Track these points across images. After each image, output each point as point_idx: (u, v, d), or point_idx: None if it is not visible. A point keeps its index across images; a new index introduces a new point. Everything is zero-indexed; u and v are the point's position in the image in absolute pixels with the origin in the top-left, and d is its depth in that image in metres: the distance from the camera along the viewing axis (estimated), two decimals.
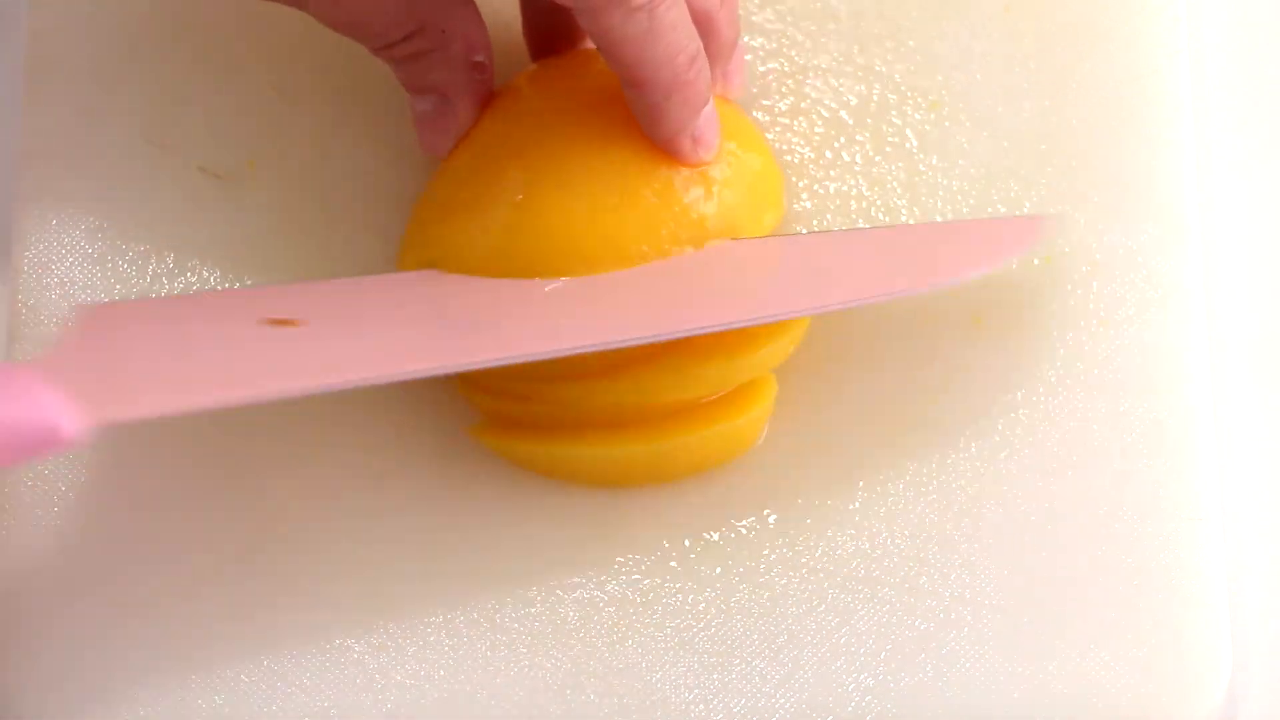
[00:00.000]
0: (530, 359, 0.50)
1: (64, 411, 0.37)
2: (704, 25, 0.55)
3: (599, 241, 0.54)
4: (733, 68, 0.58)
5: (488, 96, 0.57)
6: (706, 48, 0.55)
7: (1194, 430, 0.58)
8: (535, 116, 0.55)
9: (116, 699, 0.57)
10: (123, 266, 0.59)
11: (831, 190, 0.60)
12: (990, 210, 0.60)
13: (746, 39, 0.60)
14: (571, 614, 0.57)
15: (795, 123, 0.60)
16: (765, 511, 0.58)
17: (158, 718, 0.56)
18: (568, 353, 0.51)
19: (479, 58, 0.55)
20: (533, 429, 0.57)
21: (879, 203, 0.60)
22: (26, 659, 0.57)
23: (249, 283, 0.59)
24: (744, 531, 0.58)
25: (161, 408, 0.41)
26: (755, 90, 0.60)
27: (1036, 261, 0.59)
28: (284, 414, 0.58)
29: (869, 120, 0.60)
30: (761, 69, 0.60)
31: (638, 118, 0.54)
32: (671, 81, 0.53)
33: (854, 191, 0.60)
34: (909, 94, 0.60)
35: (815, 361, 0.59)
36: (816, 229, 0.59)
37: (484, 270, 0.55)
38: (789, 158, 0.60)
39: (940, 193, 0.60)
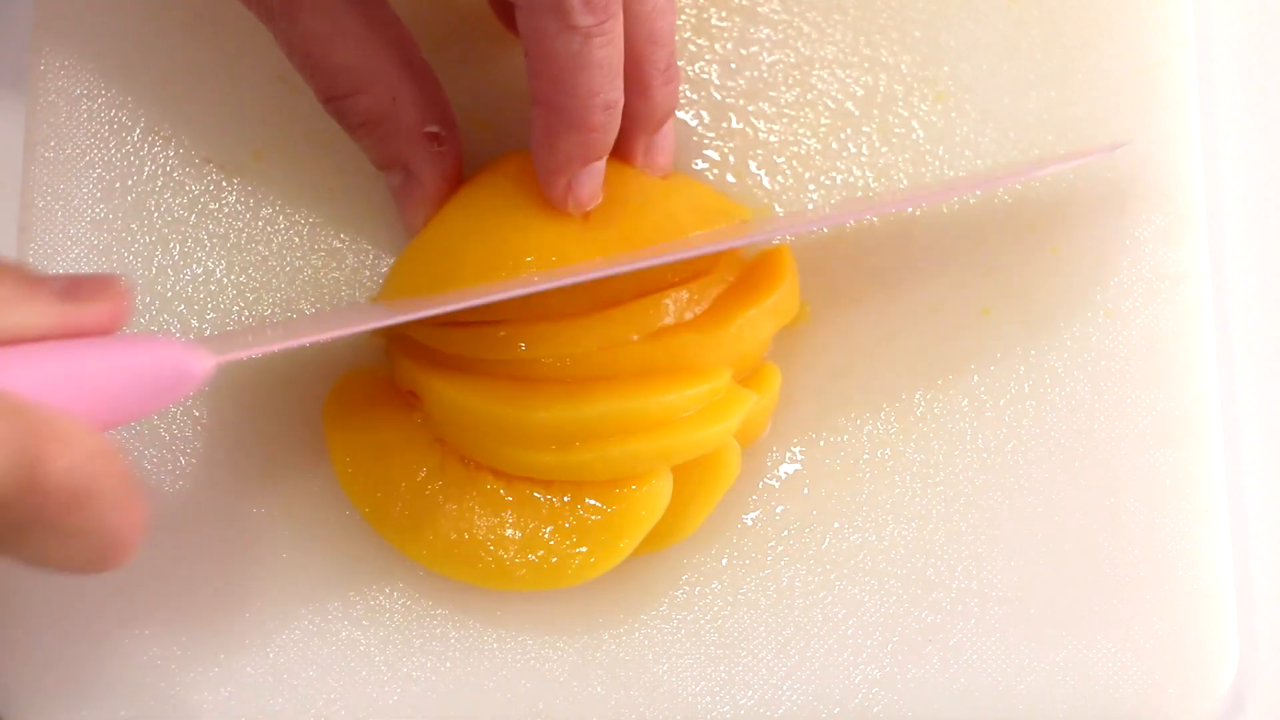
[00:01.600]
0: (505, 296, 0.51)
1: (191, 356, 0.44)
2: (637, 87, 0.54)
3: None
4: (659, 143, 0.57)
5: (455, 168, 0.56)
6: (635, 110, 0.54)
7: (1201, 422, 0.58)
8: (496, 210, 0.55)
9: (121, 692, 0.56)
10: (128, 258, 0.59)
11: (838, 181, 0.60)
12: (996, 200, 0.60)
13: (752, 30, 0.60)
14: (577, 606, 0.57)
15: (801, 114, 0.60)
16: (771, 503, 0.58)
17: (162, 712, 0.56)
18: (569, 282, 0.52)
19: (432, 129, 0.55)
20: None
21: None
22: (28, 652, 0.57)
23: (253, 274, 0.59)
24: (750, 523, 0.58)
25: (269, 346, 0.50)
26: (762, 82, 0.60)
27: (1043, 252, 0.59)
28: (289, 403, 0.58)
29: (875, 111, 0.60)
30: (768, 60, 0.60)
31: (530, 140, 0.54)
32: (576, 118, 0.52)
33: (860, 183, 0.60)
34: (915, 85, 0.60)
35: (821, 352, 0.59)
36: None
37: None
38: (795, 149, 0.60)
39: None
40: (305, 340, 0.49)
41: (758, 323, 0.56)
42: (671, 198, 0.57)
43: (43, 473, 0.40)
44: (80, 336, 0.43)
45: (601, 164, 0.54)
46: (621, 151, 0.56)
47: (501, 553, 0.55)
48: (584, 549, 0.54)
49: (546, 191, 0.54)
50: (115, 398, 0.43)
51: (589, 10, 0.50)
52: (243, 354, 0.47)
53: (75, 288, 0.44)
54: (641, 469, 0.55)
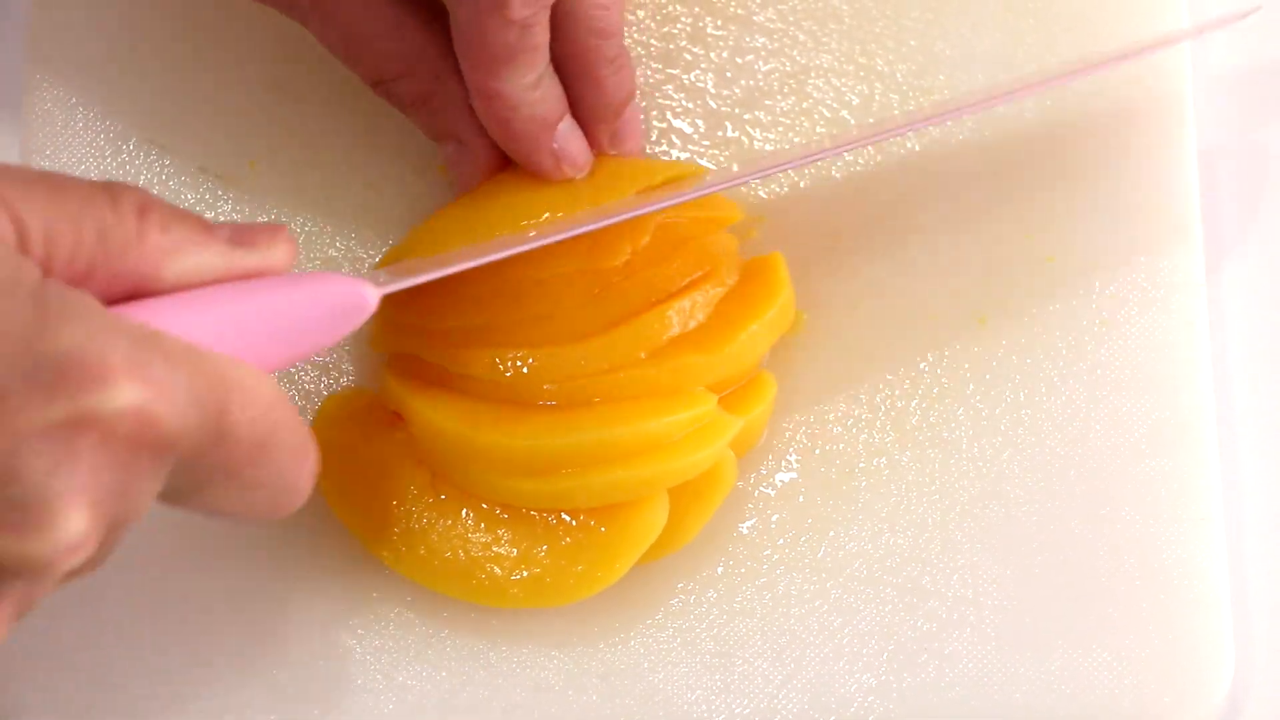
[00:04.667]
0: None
1: (358, 288, 0.46)
2: (588, 80, 0.56)
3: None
4: (624, 130, 0.57)
5: None
6: (590, 103, 0.56)
7: (1196, 430, 0.58)
8: (490, 195, 0.56)
9: (116, 700, 0.56)
10: None
11: (834, 190, 0.60)
12: (992, 209, 0.60)
13: (748, 39, 0.60)
14: (573, 615, 0.57)
15: (797, 122, 0.60)
16: (767, 512, 0.58)
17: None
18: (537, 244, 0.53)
19: None
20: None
21: (880, 203, 0.60)
22: (29, 667, 0.57)
23: None
24: (745, 532, 0.58)
25: (430, 275, 0.51)
26: (758, 90, 0.60)
27: (1039, 261, 0.59)
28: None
29: (870, 120, 0.60)
30: (764, 68, 0.60)
31: (492, 133, 0.55)
32: (521, 97, 0.54)
33: (855, 191, 0.60)
34: (910, 94, 0.60)
35: (816, 361, 0.59)
36: (819, 229, 0.59)
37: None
38: None
39: (942, 192, 0.60)
40: (461, 266, 0.51)
41: (759, 337, 0.56)
42: (647, 170, 0.57)
43: (228, 424, 0.41)
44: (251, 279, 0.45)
45: (569, 120, 0.55)
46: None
47: (495, 570, 0.55)
48: (579, 568, 0.54)
49: (539, 170, 0.55)
50: (288, 337, 0.44)
51: (525, 3, 0.51)
52: (404, 284, 0.49)
53: (245, 233, 0.45)
54: (626, 496, 0.55)
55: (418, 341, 0.56)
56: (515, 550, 0.55)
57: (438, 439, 0.55)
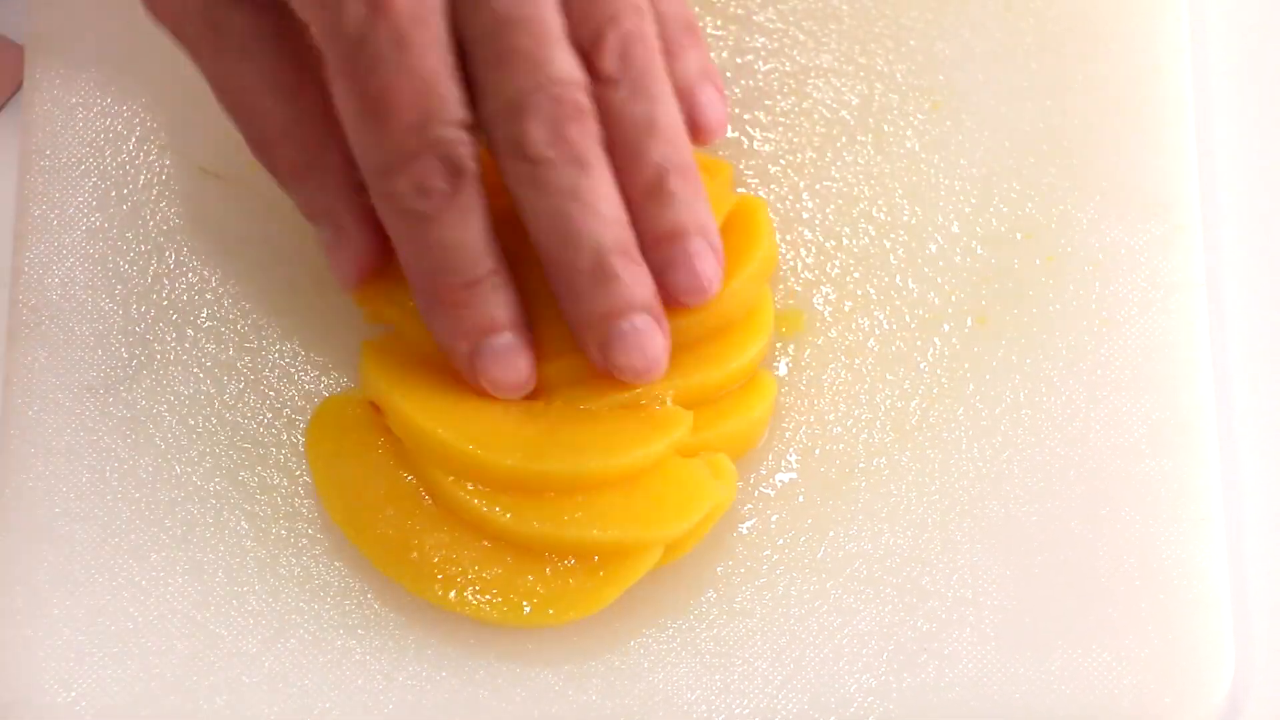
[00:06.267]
0: None
1: None
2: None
3: None
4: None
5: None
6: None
7: (1196, 430, 0.58)
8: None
9: (115, 699, 0.56)
10: (123, 267, 0.59)
11: (834, 190, 0.60)
12: (992, 209, 0.60)
13: (748, 39, 0.61)
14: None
15: (797, 123, 0.60)
16: (767, 512, 0.58)
17: (157, 718, 0.56)
18: None
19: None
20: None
21: (880, 203, 0.60)
22: (25, 660, 0.57)
23: (248, 283, 0.59)
24: (745, 532, 0.58)
25: None
26: (758, 91, 0.60)
27: (1039, 261, 0.59)
28: (282, 413, 0.58)
29: (870, 120, 0.60)
30: (764, 69, 0.60)
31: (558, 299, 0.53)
32: (596, 261, 0.51)
33: (855, 192, 0.60)
34: (911, 94, 0.60)
35: (816, 361, 0.59)
36: (819, 229, 0.59)
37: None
38: (791, 158, 0.60)
39: (942, 193, 0.60)
40: None
41: (750, 283, 0.56)
42: None
43: None
44: None
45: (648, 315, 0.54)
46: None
47: (488, 586, 0.55)
48: (570, 581, 0.54)
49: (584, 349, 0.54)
50: None
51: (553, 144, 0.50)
52: None
53: None
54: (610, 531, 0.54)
55: (405, 319, 0.55)
56: (506, 570, 0.55)
57: (414, 439, 0.55)
